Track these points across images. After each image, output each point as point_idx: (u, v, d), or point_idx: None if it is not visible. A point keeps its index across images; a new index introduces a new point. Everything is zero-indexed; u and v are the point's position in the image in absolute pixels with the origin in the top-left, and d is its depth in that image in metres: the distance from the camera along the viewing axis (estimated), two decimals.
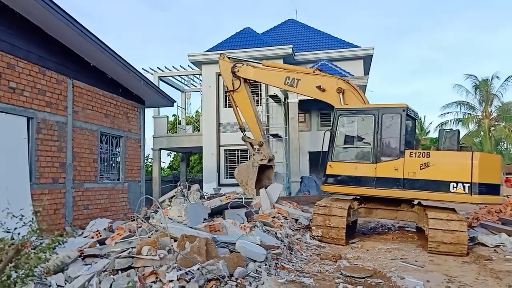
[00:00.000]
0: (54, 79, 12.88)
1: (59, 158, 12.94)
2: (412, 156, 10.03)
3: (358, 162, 10.53)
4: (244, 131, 14.68)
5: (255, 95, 25.17)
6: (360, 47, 25.37)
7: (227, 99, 25.72)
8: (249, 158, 14.10)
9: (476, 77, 40.59)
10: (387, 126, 10.34)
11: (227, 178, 25.28)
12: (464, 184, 9.48)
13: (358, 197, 11.12)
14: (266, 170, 14.33)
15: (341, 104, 11.41)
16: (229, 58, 14.24)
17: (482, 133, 40.14)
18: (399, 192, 10.05)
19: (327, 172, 10.82)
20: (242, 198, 12.65)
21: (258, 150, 14.25)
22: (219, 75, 25.18)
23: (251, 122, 14.14)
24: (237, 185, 22.14)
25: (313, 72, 12.30)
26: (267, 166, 14.22)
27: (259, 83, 25.03)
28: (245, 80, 13.99)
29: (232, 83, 13.94)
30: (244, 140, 14.69)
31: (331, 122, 11.20)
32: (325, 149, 10.97)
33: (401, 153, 10.12)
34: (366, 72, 26.87)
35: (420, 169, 9.86)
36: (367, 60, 25.58)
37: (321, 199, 11.65)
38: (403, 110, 10.27)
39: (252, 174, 13.91)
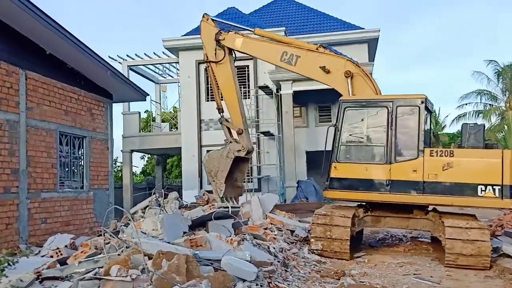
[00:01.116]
0: (4, 70, 12.69)
1: (11, 164, 12.77)
2: (433, 155, 10.03)
3: (369, 162, 10.51)
4: (223, 112, 14.40)
5: (241, 85, 24.96)
6: (364, 28, 25.44)
7: (210, 90, 25.60)
8: (225, 146, 13.71)
9: (497, 62, 40.80)
10: (402, 120, 10.33)
11: (210, 184, 25.07)
12: (494, 187, 9.51)
13: (364, 203, 11.12)
14: (240, 163, 14.07)
15: (348, 91, 11.34)
16: (214, 20, 13.91)
17: (506, 127, 40.32)
18: (418, 198, 10.04)
19: (332, 175, 10.78)
20: (228, 207, 12.50)
21: (234, 139, 13.95)
22: (199, 63, 25.14)
23: (231, 104, 13.84)
24: None
25: (317, 49, 12.12)
26: (243, 159, 13.96)
27: (246, 71, 24.91)
28: (231, 51, 13.69)
29: (215, 53, 13.60)
30: (221, 123, 14.40)
31: (336, 115, 11.14)
32: (329, 147, 10.90)
33: (420, 152, 10.12)
34: (371, 58, 26.94)
35: (443, 170, 9.88)
36: (372, 44, 25.65)
37: (321, 207, 11.64)
38: (422, 102, 10.28)
39: (224, 166, 13.56)
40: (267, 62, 13.79)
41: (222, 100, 14.14)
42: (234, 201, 13.75)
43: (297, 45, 12.53)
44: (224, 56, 13.57)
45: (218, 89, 14.12)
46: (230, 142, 13.81)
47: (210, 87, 14.16)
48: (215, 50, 13.55)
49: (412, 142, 10.21)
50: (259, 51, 13.10)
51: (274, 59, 12.73)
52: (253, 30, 13.46)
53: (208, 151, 25.23)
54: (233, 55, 13.88)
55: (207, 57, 13.85)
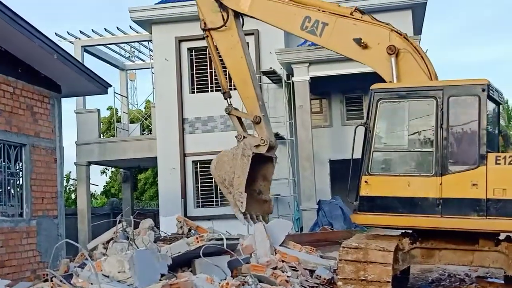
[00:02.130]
0: None
1: None
2: (499, 163, 10.09)
3: (412, 175, 10.56)
4: (230, 97, 14.48)
5: None
6: None
7: (196, 78, 25.62)
8: (237, 145, 13.81)
9: None
10: (457, 115, 10.38)
11: (198, 207, 25.17)
12: None
13: (411, 231, 11.10)
14: (262, 166, 14.16)
15: (392, 74, 11.39)
16: None
17: None
18: (480, 223, 10.05)
19: (362, 193, 10.84)
20: (222, 239, 12.56)
21: (248, 134, 14.04)
22: (180, 40, 25.27)
23: (242, 83, 13.95)
24: (216, 218, 22.23)
25: (351, 14, 12.22)
26: (265, 158, 14.01)
27: None
28: (236, 14, 13.82)
29: (217, 17, 13.76)
30: (228, 114, 14.43)
31: (367, 111, 11.19)
32: (358, 155, 10.98)
33: (482, 159, 10.16)
34: (418, 30, 26.92)
35: None
36: (418, 11, 25.63)
37: (352, 236, 11.63)
38: (483, 90, 10.29)
39: (241, 169, 13.55)
40: (283, 30, 13.85)
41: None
42: (262, 221, 13.89)
43: (325, 9, 12.61)
44: (228, 19, 13.70)
45: (223, 66, 14.21)
46: (244, 137, 13.89)
47: (205, 36, 14.15)
48: (215, 13, 13.73)
49: (471, 146, 10.27)
50: (273, 15, 13.19)
51: (293, 27, 12.86)
52: None
53: (194, 161, 25.53)
54: (240, 20, 14.03)
55: (204, 23, 13.98)
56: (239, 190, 13.44)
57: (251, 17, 13.60)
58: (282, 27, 13.36)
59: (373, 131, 10.87)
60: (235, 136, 13.92)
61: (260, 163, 13.96)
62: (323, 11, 12.50)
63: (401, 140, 10.92)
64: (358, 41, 11.86)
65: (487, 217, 9.99)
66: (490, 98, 10.42)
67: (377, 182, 10.76)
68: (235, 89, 14.30)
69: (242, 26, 14.05)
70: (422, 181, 10.43)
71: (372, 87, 11.18)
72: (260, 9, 13.30)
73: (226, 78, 14.44)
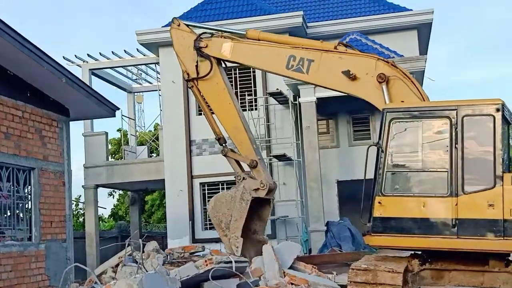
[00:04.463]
0: None
1: None
2: None
3: (427, 195, 10.46)
4: (225, 142, 14.37)
5: (246, 92, 25.02)
6: (411, 10, 25.52)
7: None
8: (237, 185, 13.70)
9: None
10: (471, 135, 10.35)
11: (206, 229, 25.02)
12: None
13: (420, 252, 11.02)
14: (259, 207, 14.08)
15: (384, 102, 11.38)
16: (188, 25, 14.20)
17: None
18: (498, 244, 9.96)
19: (376, 214, 10.73)
20: (231, 262, 12.47)
21: (248, 174, 13.91)
22: None
23: (233, 129, 14.01)
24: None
25: (335, 48, 12.28)
26: (262, 201, 13.88)
27: (251, 74, 24.91)
28: (219, 61, 13.80)
29: (196, 66, 13.74)
30: (225, 156, 14.42)
31: (379, 130, 11.11)
32: (370, 175, 10.84)
33: (498, 179, 10.09)
34: (423, 50, 26.92)
35: None
36: (423, 31, 25.74)
37: (361, 258, 11.60)
38: (497, 110, 10.27)
39: (238, 213, 13.60)
40: (269, 72, 13.96)
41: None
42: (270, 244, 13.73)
43: (308, 46, 12.68)
44: (211, 68, 13.72)
45: (212, 113, 14.18)
46: (244, 178, 13.80)
47: (190, 87, 14.33)
48: (197, 62, 13.72)
49: (486, 166, 10.19)
50: (256, 58, 13.31)
51: (278, 67, 12.92)
52: (244, 33, 13.66)
53: (202, 183, 25.36)
54: (223, 65, 14.06)
55: (188, 74, 14.05)
56: (235, 234, 13.53)
57: (234, 62, 13.61)
58: (267, 68, 13.48)
59: (385, 151, 10.81)
60: (235, 176, 13.95)
61: (258, 204, 14.02)
62: (306, 48, 12.60)
63: (415, 160, 10.83)
64: (347, 73, 11.92)
65: (505, 237, 9.91)
66: (504, 118, 10.42)
67: (391, 203, 10.68)
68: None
69: (226, 71, 14.06)
70: (437, 202, 10.36)
71: (384, 106, 11.17)
72: (242, 53, 13.44)
73: (214, 122, 14.47)
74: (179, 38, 14.14)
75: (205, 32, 13.95)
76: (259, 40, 13.35)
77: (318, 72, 12.37)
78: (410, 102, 11.22)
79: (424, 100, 11.25)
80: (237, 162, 14.27)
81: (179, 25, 14.14)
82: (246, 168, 14.38)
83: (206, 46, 13.65)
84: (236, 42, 13.44)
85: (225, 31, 14.01)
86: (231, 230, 13.59)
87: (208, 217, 14.41)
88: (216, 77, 13.82)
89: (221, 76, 13.87)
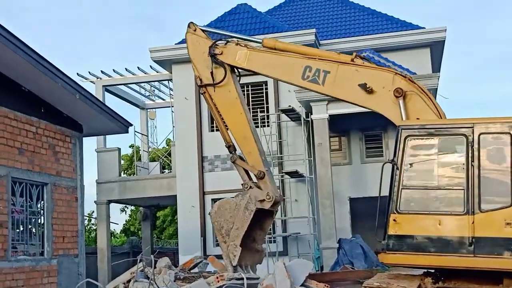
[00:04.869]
0: None
1: None
2: None
3: (443, 213, 10.35)
4: (235, 150, 14.29)
5: (258, 108, 25.03)
6: (424, 28, 25.52)
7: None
8: (243, 193, 13.53)
9: None
10: (488, 153, 10.27)
11: (218, 245, 24.74)
12: None
13: (433, 271, 10.90)
14: (262, 217, 13.91)
15: (401, 117, 11.32)
16: (204, 31, 14.01)
17: None
18: None
19: (391, 232, 10.61)
20: (243, 279, 12.43)
21: (255, 183, 13.81)
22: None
23: (243, 139, 13.80)
24: None
25: (352, 60, 12.18)
26: (266, 212, 13.76)
27: (263, 89, 24.86)
28: (233, 68, 13.69)
29: (212, 73, 13.60)
30: (234, 163, 14.26)
31: (394, 148, 11.03)
32: (385, 192, 10.74)
33: None
34: (436, 67, 26.86)
35: None
36: (436, 49, 25.66)
37: (373, 275, 11.58)
38: None
39: (241, 222, 13.36)
40: (284, 82, 13.84)
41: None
42: (251, 271, 13.62)
43: (325, 57, 12.57)
44: (225, 75, 13.58)
45: (223, 121, 14.09)
46: (250, 187, 13.66)
47: (202, 93, 14.19)
48: (211, 69, 13.60)
49: (503, 184, 10.10)
50: (272, 68, 13.13)
51: (293, 77, 12.78)
52: (261, 41, 13.52)
53: (214, 200, 25.19)
54: (237, 73, 13.93)
55: (200, 80, 13.91)
56: (234, 243, 13.29)
57: (249, 70, 13.47)
58: (283, 78, 13.30)
59: (401, 168, 10.72)
60: (241, 184, 13.76)
61: (260, 215, 13.79)
62: (323, 59, 12.50)
63: (431, 178, 10.71)
64: (364, 86, 11.79)
65: None
66: None
67: (406, 220, 10.56)
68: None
69: (239, 80, 13.97)
70: (453, 220, 10.25)
71: (400, 123, 11.10)
72: (257, 62, 13.27)
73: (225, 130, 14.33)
74: (194, 43, 13.94)
75: (221, 39, 13.85)
76: (275, 49, 13.21)
77: (334, 84, 12.25)
78: (426, 119, 11.14)
79: (441, 117, 11.18)
80: (245, 170, 14.11)
81: (195, 30, 13.93)
82: (254, 177, 14.33)
83: (221, 53, 13.49)
84: (251, 50, 13.31)
85: (241, 39, 13.87)
86: (231, 237, 13.36)
87: (213, 226, 14.22)
88: (229, 85, 13.65)
89: (234, 85, 13.70)
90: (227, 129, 14.13)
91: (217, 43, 13.60)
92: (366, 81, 11.79)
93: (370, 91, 11.77)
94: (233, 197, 13.77)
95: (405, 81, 11.56)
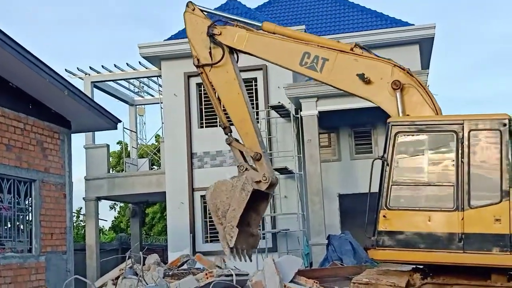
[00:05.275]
0: None
1: None
2: None
3: (432, 209, 10.35)
4: (230, 132, 14.22)
5: None
6: (413, 25, 25.59)
7: (205, 113, 25.53)
8: (239, 175, 13.47)
9: None
10: (478, 150, 10.29)
11: (207, 242, 24.96)
12: None
13: (421, 266, 10.94)
14: (257, 200, 13.85)
15: (398, 110, 11.27)
16: (203, 11, 13.82)
17: None
18: (505, 258, 9.85)
19: (380, 227, 10.60)
20: (232, 275, 12.54)
21: (251, 166, 13.77)
22: (189, 76, 25.30)
23: (240, 120, 13.68)
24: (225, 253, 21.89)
25: (351, 49, 12.09)
26: (261, 195, 13.71)
27: (253, 86, 24.86)
28: (231, 49, 13.57)
29: (210, 53, 13.51)
30: (230, 145, 14.18)
31: (384, 144, 11.00)
32: (375, 188, 10.74)
33: (505, 194, 10.01)
34: (425, 64, 26.96)
35: None
36: (425, 46, 25.73)
37: (362, 272, 11.59)
38: (504, 125, 10.22)
39: (237, 203, 13.19)
40: (281, 66, 13.69)
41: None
42: (246, 256, 13.55)
43: (324, 44, 12.46)
44: (223, 56, 13.46)
45: (220, 102, 14.01)
46: (246, 169, 13.59)
47: (200, 73, 14.04)
48: (210, 48, 13.49)
49: (493, 180, 10.12)
50: (270, 52, 13.00)
51: (291, 63, 12.68)
52: (260, 24, 13.36)
53: (203, 196, 25.14)
54: (235, 56, 13.85)
55: (198, 60, 13.79)
56: (231, 224, 13.16)
57: (247, 53, 13.40)
58: (280, 63, 13.17)
59: (391, 165, 10.70)
60: (237, 166, 13.64)
61: (256, 198, 13.69)
62: (322, 46, 12.42)
63: (420, 174, 10.75)
64: (362, 76, 11.72)
65: (511, 252, 9.80)
66: (510, 133, 10.31)
67: (396, 216, 10.55)
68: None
69: (237, 62, 13.88)
70: (443, 216, 10.26)
71: (389, 120, 11.07)
72: (256, 45, 13.16)
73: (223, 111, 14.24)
74: (192, 23, 13.76)
75: (219, 20, 13.76)
76: (274, 33, 13.08)
77: (331, 72, 12.15)
78: (416, 116, 11.10)
79: (437, 111, 11.15)
80: (241, 153, 13.99)
81: (193, 10, 13.72)
82: (249, 160, 14.29)
83: (220, 34, 13.33)
84: (250, 33, 13.14)
85: (241, 21, 13.70)
86: (227, 219, 13.21)
87: (208, 212, 14.15)
88: (227, 65, 13.50)
89: (232, 65, 13.54)
90: (224, 110, 14.11)
91: (215, 24, 13.43)
92: (364, 71, 11.71)
93: (367, 82, 11.70)
94: (229, 179, 13.70)
95: (403, 74, 11.51)
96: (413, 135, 10.82)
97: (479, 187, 10.19)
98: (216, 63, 13.51)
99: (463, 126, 10.35)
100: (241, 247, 13.43)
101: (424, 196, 10.58)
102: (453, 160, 10.33)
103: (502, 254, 9.83)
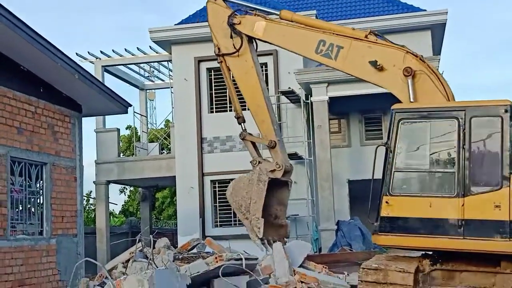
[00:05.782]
0: None
1: None
2: None
3: (434, 195, 10.45)
4: (244, 122, 14.48)
5: None
6: (425, 10, 25.51)
7: (215, 98, 25.65)
8: (253, 170, 13.82)
9: None
10: (479, 136, 10.33)
11: (217, 226, 25.08)
12: None
13: (431, 253, 11.00)
14: (277, 191, 14.14)
15: (409, 96, 11.37)
16: (224, 0, 14.19)
17: None
18: (504, 245, 9.90)
19: (383, 213, 10.73)
20: (241, 259, 12.59)
21: (263, 158, 14.03)
22: (200, 61, 25.31)
23: (257, 108, 14.05)
24: (234, 237, 22.11)
25: (366, 37, 12.27)
26: (280, 182, 13.96)
27: (263, 69, 24.93)
28: (250, 39, 13.92)
29: (230, 42, 13.92)
30: (243, 139, 14.51)
31: (388, 131, 11.14)
32: (378, 175, 10.89)
33: (505, 180, 10.05)
34: (437, 50, 26.90)
35: None
36: (437, 31, 25.67)
37: (371, 257, 11.58)
38: (506, 111, 10.23)
39: (257, 194, 13.63)
40: (298, 54, 13.94)
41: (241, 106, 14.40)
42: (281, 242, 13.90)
43: (339, 32, 12.65)
44: (242, 45, 13.82)
45: (237, 90, 14.28)
46: (259, 162, 13.88)
47: (219, 62, 14.32)
48: (231, 37, 13.85)
49: (493, 167, 10.17)
50: (288, 40, 13.29)
51: (307, 51, 12.92)
52: (278, 13, 13.65)
53: (212, 181, 25.46)
54: (254, 44, 14.12)
55: (218, 48, 14.15)
56: (256, 216, 13.51)
57: (265, 41, 13.66)
58: (297, 51, 13.39)
59: (394, 151, 10.80)
60: (250, 161, 13.99)
61: (276, 188, 14.01)
62: (337, 34, 12.58)
63: (423, 161, 10.84)
64: (374, 64, 11.88)
65: (510, 239, 9.86)
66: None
67: (398, 202, 10.66)
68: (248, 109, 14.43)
69: (256, 50, 14.15)
70: (444, 202, 10.34)
71: (393, 107, 11.14)
72: (274, 34, 13.44)
73: (240, 102, 14.47)
74: (214, 12, 14.14)
75: (240, 9, 13.99)
76: (292, 21, 13.33)
77: (346, 60, 12.34)
78: (429, 100, 11.18)
79: (448, 98, 11.21)
80: (254, 146, 14.32)
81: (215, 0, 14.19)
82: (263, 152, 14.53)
83: (240, 23, 13.68)
84: (269, 22, 13.45)
85: (260, 10, 13.99)
86: (251, 212, 13.59)
87: (232, 207, 14.31)
88: (246, 55, 13.90)
89: (251, 54, 13.93)
90: (240, 99, 14.36)
91: (236, 13, 13.76)
92: (377, 58, 11.87)
93: (380, 69, 11.87)
94: (244, 175, 13.98)
95: (415, 60, 11.61)
96: (416, 122, 10.90)
97: (480, 173, 10.26)
98: (235, 52, 13.85)
99: (465, 113, 10.37)
100: (273, 239, 13.73)
101: (426, 182, 10.71)
102: (455, 147, 10.38)
103: (502, 241, 9.87)
